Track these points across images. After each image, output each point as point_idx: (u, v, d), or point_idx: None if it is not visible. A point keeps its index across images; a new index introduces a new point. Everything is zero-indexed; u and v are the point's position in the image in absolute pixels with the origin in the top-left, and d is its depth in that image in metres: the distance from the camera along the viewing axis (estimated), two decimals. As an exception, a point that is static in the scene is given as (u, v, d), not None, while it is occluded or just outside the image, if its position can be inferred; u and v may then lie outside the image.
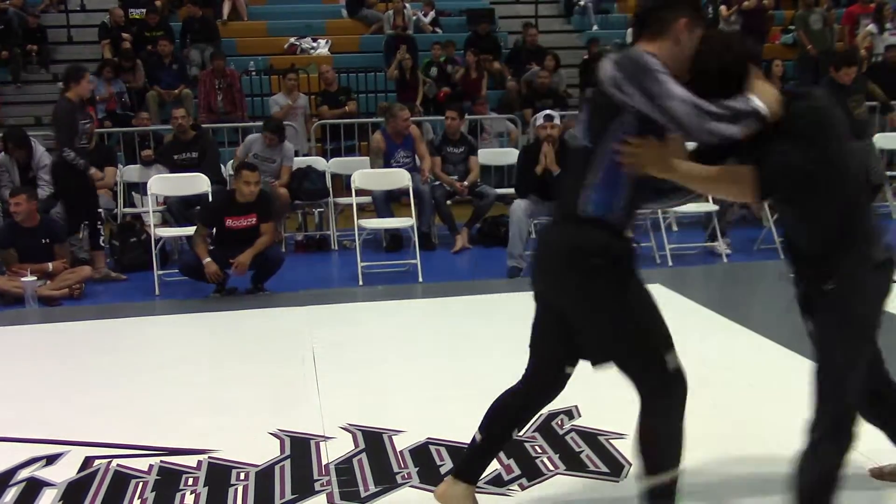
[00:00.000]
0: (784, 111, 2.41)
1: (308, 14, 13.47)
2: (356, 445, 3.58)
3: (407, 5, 12.69)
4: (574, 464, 3.35)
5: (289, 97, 10.01)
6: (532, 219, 6.91)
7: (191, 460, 3.50)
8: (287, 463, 3.45)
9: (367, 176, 7.60)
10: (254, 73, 11.58)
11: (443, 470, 3.29)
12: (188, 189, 7.38)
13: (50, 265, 6.51)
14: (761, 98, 2.39)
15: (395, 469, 3.36)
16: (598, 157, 2.46)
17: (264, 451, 3.55)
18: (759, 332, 4.99)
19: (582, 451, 3.46)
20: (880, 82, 9.47)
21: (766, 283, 6.59)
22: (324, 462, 3.44)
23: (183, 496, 3.21)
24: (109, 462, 3.50)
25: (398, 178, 7.49)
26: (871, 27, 12.14)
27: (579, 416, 3.77)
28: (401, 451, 3.51)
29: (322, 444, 3.61)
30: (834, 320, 2.50)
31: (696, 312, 5.52)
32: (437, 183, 7.96)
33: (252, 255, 6.14)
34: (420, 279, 6.77)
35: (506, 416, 2.82)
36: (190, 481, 3.33)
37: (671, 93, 2.33)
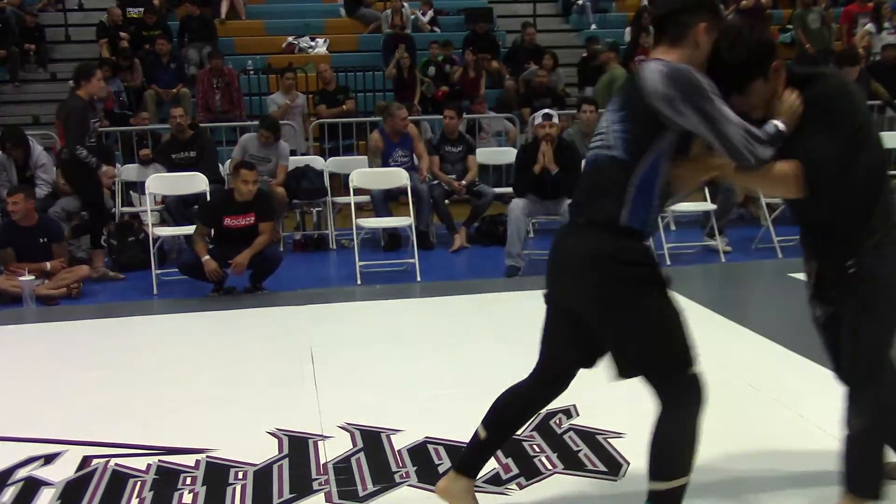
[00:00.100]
0: (800, 101, 2.47)
1: (306, 13, 13.48)
2: (354, 444, 3.58)
3: (405, 4, 12.68)
4: (572, 463, 3.35)
5: (287, 96, 10.01)
6: (530, 218, 6.91)
7: (189, 459, 3.49)
8: (285, 462, 3.45)
9: (365, 175, 7.60)
10: (252, 73, 11.58)
11: (441, 469, 3.29)
12: (186, 188, 7.37)
13: (48, 264, 6.50)
14: (781, 112, 2.48)
15: (394, 468, 3.36)
16: (638, 170, 2.46)
17: (262, 450, 3.54)
18: (757, 331, 5.00)
19: (580, 450, 3.46)
20: (879, 81, 9.48)
21: (765, 282, 6.60)
22: (322, 461, 3.44)
23: (181, 495, 3.21)
24: (107, 461, 3.49)
25: (396, 177, 7.49)
26: (870, 26, 12.17)
27: (577, 415, 3.77)
28: (399, 451, 3.50)
29: (320, 443, 3.61)
30: (861, 299, 2.52)
31: (695, 312, 5.49)
32: (436, 182, 7.96)
33: (250, 255, 6.13)
34: (418, 278, 6.77)
35: (511, 412, 2.83)
36: (188, 480, 3.32)
37: (728, 117, 2.39)
